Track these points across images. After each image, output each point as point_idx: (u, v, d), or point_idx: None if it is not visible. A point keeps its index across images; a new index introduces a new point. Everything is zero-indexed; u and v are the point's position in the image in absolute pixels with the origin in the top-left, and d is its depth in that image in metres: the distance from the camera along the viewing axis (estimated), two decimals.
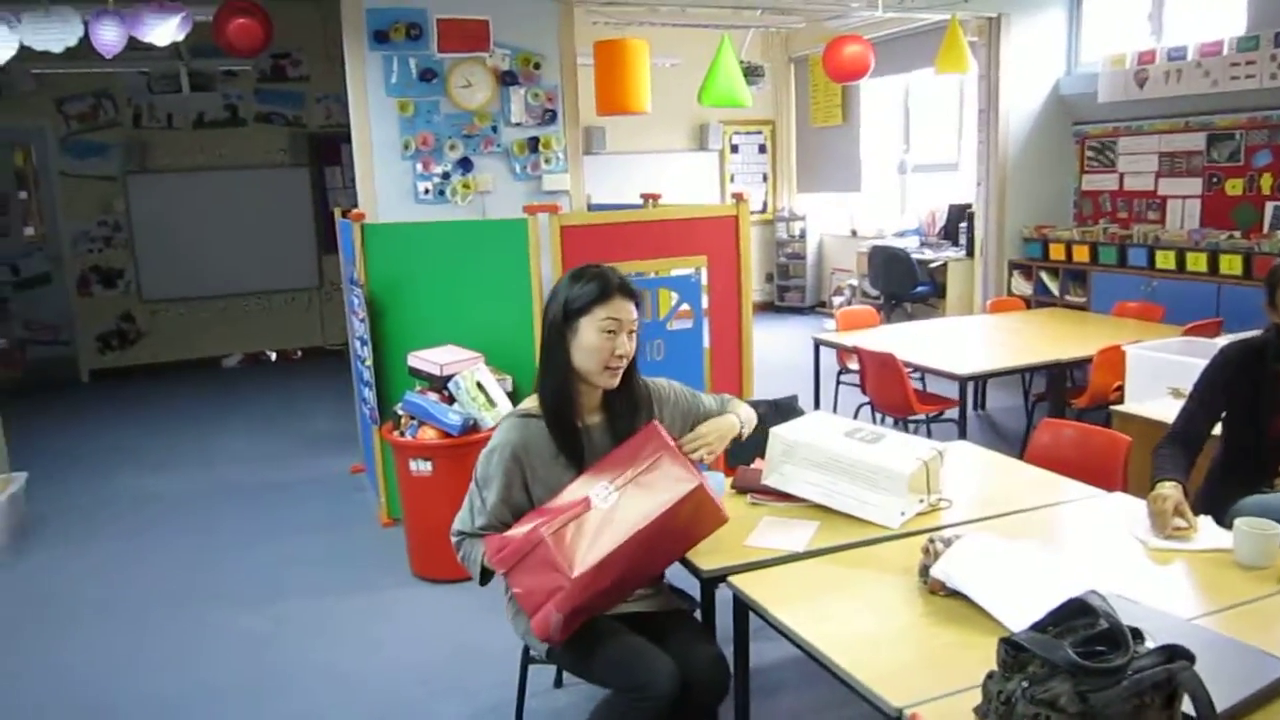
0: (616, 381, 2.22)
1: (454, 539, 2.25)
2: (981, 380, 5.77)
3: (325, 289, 9.10)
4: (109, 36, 4.94)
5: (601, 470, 2.15)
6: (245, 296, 8.92)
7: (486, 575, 2.20)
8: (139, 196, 8.38)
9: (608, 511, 2.05)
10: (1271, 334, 2.74)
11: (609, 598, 2.11)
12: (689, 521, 2.11)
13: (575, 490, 2.13)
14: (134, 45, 5.06)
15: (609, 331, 2.14)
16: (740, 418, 2.48)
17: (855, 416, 5.10)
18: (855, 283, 9.50)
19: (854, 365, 5.15)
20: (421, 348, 4.19)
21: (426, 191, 5.58)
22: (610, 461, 2.16)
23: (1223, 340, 3.07)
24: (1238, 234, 5.99)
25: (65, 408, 7.41)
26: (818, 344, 5.49)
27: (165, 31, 4.98)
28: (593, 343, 2.14)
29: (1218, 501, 2.71)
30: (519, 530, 2.08)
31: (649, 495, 2.05)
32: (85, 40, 4.93)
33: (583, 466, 2.20)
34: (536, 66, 5.73)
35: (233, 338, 8.90)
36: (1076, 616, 1.52)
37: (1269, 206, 5.94)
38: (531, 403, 2.26)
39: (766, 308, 10.61)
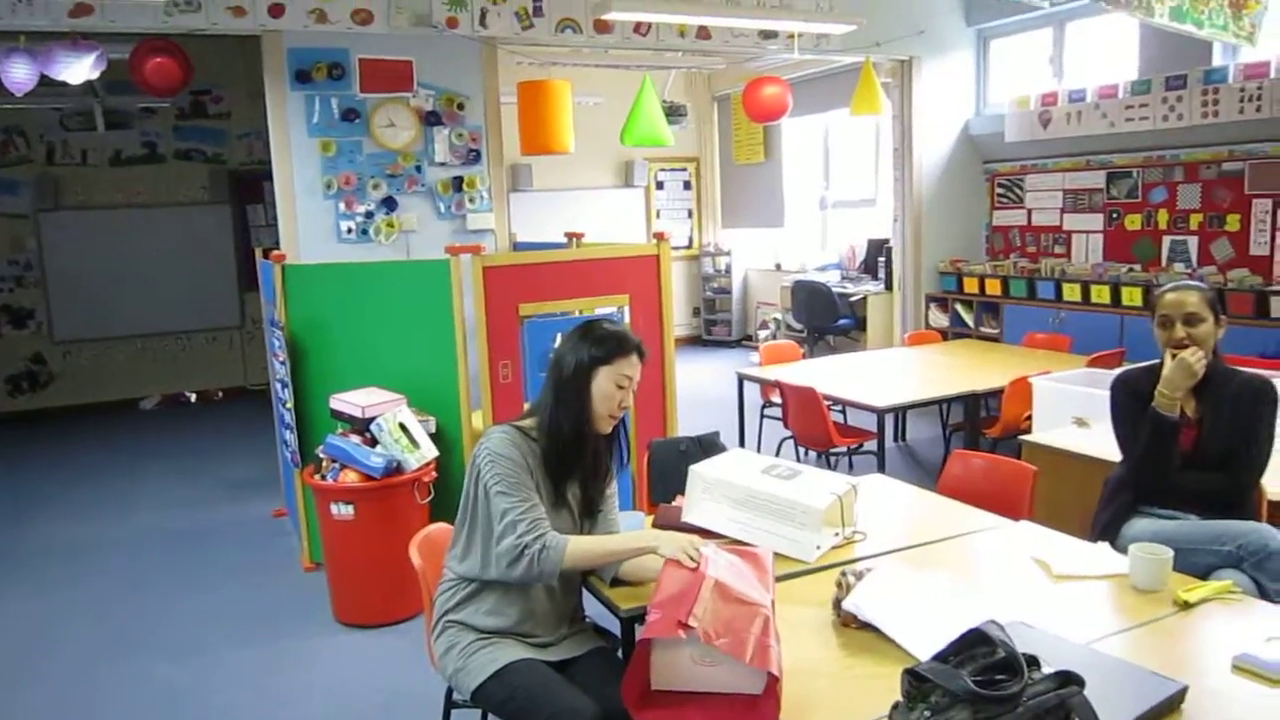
0: (611, 428, 2.39)
1: (526, 549, 2.15)
2: (901, 412, 5.91)
3: (247, 327, 8.95)
4: (20, 75, 4.83)
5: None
6: (164, 336, 8.72)
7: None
8: (52, 235, 8.17)
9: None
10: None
11: None
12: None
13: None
14: (47, 82, 4.96)
15: (621, 386, 2.32)
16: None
17: (779, 450, 5.19)
18: (780, 316, 9.66)
19: (777, 399, 5.25)
20: (343, 389, 4.16)
21: (349, 231, 5.56)
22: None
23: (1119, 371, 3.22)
24: (1138, 267, 6.27)
25: None
26: (741, 379, 5.58)
27: (79, 70, 4.89)
28: (606, 391, 2.31)
29: (1112, 524, 2.84)
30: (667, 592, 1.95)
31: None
32: None
33: (562, 494, 2.35)
34: (460, 107, 5.76)
35: (151, 379, 8.69)
36: (976, 645, 1.59)
37: (1166, 241, 6.24)
38: (525, 423, 2.36)
39: (694, 341, 10.74)
